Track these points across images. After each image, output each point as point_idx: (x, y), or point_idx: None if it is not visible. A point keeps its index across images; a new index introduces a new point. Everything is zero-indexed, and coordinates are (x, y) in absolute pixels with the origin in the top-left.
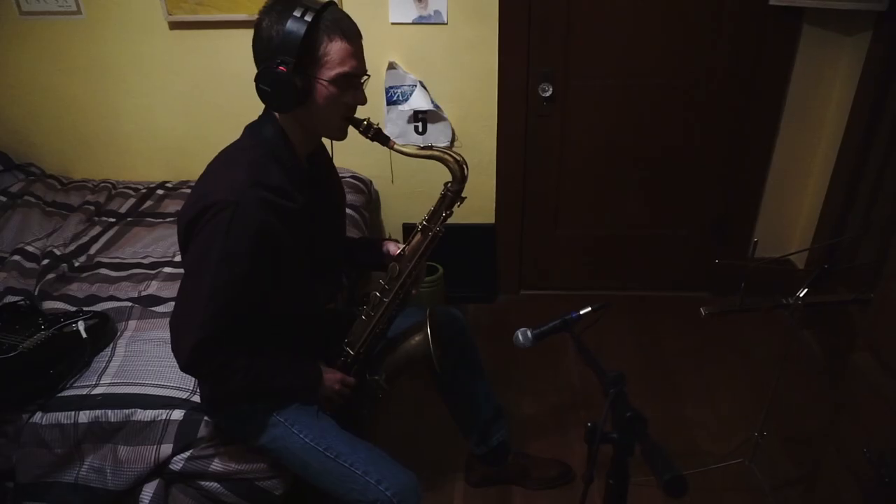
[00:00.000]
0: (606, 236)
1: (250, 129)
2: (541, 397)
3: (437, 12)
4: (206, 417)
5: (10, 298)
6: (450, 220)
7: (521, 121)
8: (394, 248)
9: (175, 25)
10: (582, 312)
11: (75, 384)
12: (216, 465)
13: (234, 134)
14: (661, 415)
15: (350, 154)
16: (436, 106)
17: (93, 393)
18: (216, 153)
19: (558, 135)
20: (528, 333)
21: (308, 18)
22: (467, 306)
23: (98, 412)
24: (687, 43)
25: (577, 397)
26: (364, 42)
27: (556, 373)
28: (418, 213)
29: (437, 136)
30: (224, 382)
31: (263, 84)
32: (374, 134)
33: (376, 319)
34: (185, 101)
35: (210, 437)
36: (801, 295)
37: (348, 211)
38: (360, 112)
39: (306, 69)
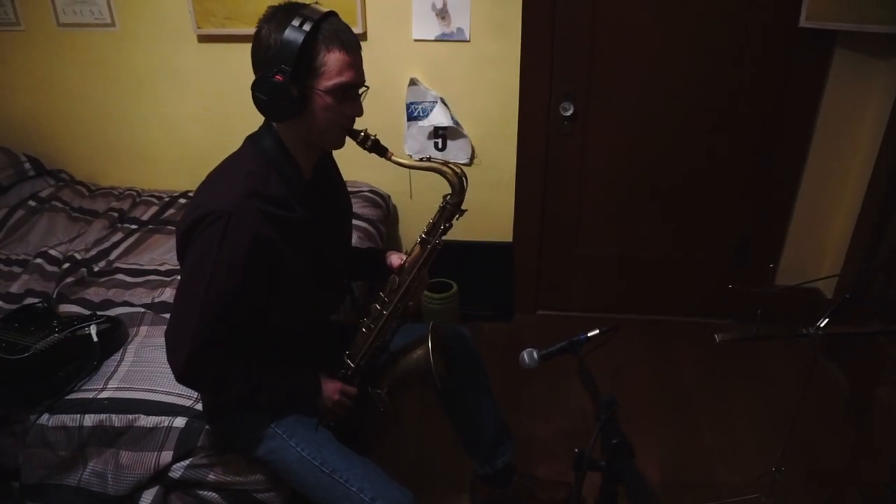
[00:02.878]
0: (626, 258)
1: (250, 139)
2: (552, 419)
3: (459, 29)
4: (207, 426)
5: (30, 300)
6: (467, 238)
7: (541, 139)
8: (396, 260)
9: (204, 38)
10: (590, 335)
11: (83, 387)
12: (214, 474)
13: None
14: (677, 443)
15: (368, 168)
16: (456, 122)
17: (99, 397)
18: None
19: (579, 154)
20: (535, 354)
21: (307, 28)
22: (483, 325)
23: (103, 416)
24: (714, 63)
25: (590, 421)
26: (386, 58)
27: (568, 396)
28: None
29: (456, 152)
30: (220, 393)
31: (260, 93)
32: (372, 145)
33: (376, 332)
34: (211, 112)
35: (210, 447)
36: (822, 325)
37: (364, 225)
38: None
39: (303, 79)
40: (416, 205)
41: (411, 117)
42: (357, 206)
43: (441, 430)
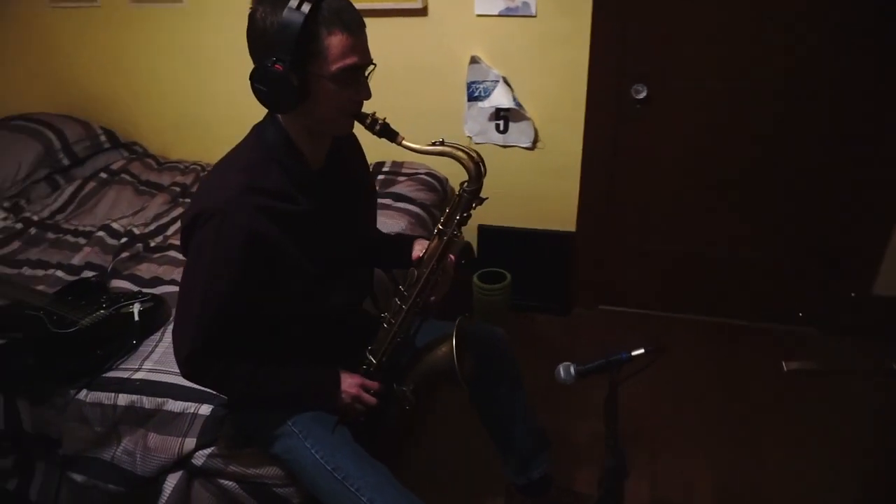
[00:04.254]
0: (697, 255)
1: (255, 128)
2: (597, 425)
3: (525, 4)
4: (230, 416)
5: (87, 273)
6: (526, 225)
7: (610, 124)
8: (417, 251)
9: None
10: (633, 354)
11: (121, 365)
12: (235, 465)
13: None
14: (731, 472)
15: None
16: (517, 104)
17: (133, 377)
18: None
19: (651, 141)
20: (571, 370)
21: (304, 9)
22: (537, 317)
23: (135, 397)
24: (813, 48)
25: (641, 428)
26: (446, 34)
27: (622, 399)
28: (497, 214)
29: (517, 135)
30: (226, 390)
31: (258, 83)
32: (381, 128)
33: (396, 327)
34: None
35: (231, 438)
36: None
37: (416, 210)
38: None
39: (304, 65)
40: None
41: (472, 97)
42: (411, 190)
43: (480, 431)
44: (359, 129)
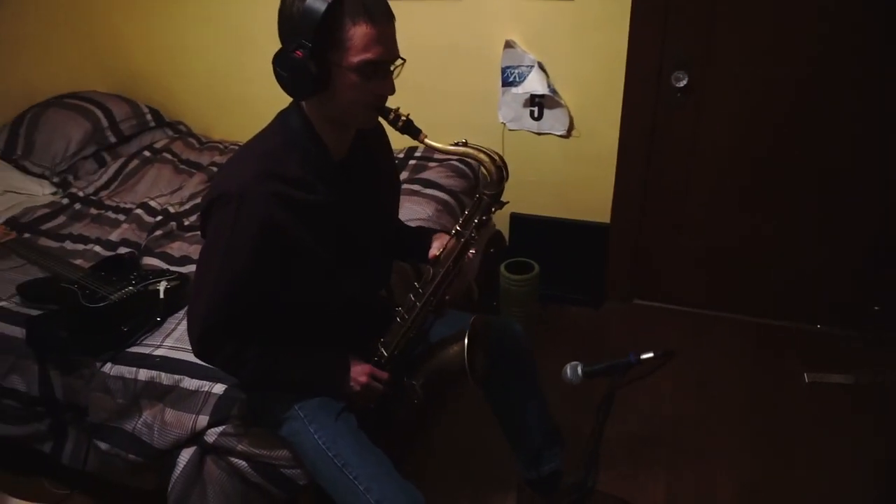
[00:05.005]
0: (737, 250)
1: (280, 115)
2: (621, 424)
3: None
4: (242, 397)
5: (122, 250)
6: (558, 214)
7: (648, 112)
8: (435, 248)
9: None
10: (643, 357)
11: (144, 341)
12: (244, 445)
13: None
14: (754, 479)
15: (458, 134)
16: (552, 90)
17: (154, 353)
18: None
19: (691, 131)
20: (578, 370)
21: None
22: (569, 309)
23: (154, 373)
24: (868, 26)
25: (664, 430)
26: (481, 17)
27: (647, 398)
28: (530, 203)
29: (552, 122)
30: (236, 372)
31: (279, 67)
32: (404, 125)
33: (409, 323)
34: None
35: (242, 417)
36: None
37: (444, 196)
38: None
39: (326, 54)
40: (511, 176)
41: (506, 83)
42: (441, 176)
43: (493, 425)
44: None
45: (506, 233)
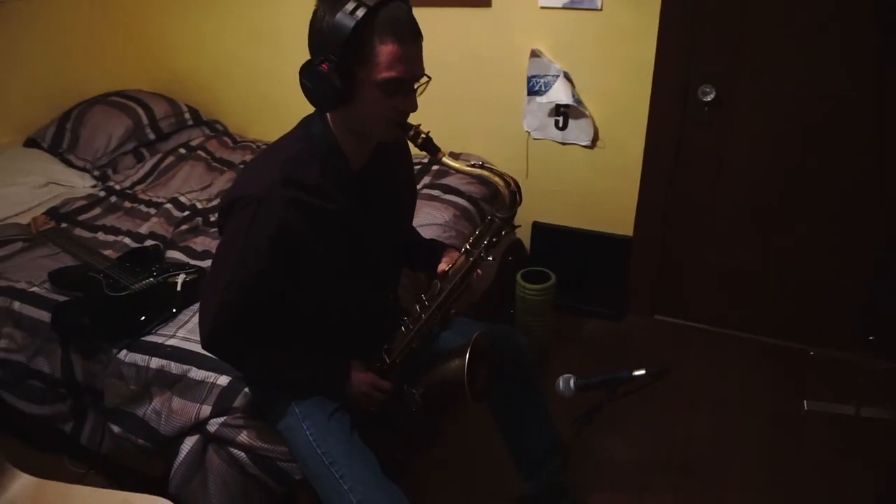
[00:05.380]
0: (763, 271)
1: (303, 122)
2: (630, 446)
3: None
4: (245, 389)
5: (149, 242)
6: (580, 225)
7: (674, 126)
8: (444, 263)
9: None
10: (635, 374)
11: (159, 331)
12: (244, 436)
13: None
14: None
15: (484, 141)
16: (577, 101)
17: (166, 343)
18: None
19: (717, 146)
20: (571, 383)
21: (359, 14)
22: (588, 322)
23: (165, 361)
24: None
25: (673, 457)
26: (509, 26)
27: (659, 422)
28: (552, 213)
29: (577, 133)
30: (241, 368)
31: (305, 78)
32: (424, 142)
33: (412, 334)
34: None
35: (243, 409)
36: None
37: (463, 203)
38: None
39: (351, 69)
40: (532, 185)
41: (532, 91)
42: (461, 183)
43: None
44: None
45: (527, 242)
